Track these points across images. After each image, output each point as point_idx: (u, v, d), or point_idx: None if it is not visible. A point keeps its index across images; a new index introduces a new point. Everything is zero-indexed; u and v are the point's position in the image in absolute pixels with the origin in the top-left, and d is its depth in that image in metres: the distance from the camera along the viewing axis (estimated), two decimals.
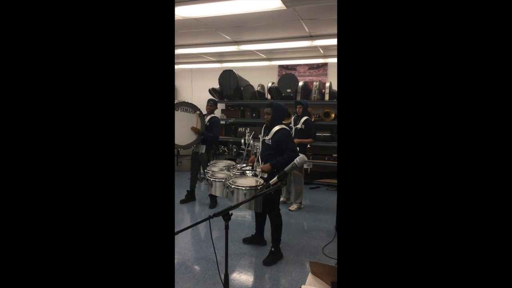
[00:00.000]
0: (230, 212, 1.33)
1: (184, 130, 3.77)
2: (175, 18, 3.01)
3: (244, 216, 3.68)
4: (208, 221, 1.30)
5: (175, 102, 3.70)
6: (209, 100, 4.05)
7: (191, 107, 3.81)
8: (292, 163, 1.44)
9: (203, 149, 3.95)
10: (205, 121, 3.89)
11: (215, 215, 1.30)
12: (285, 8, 2.71)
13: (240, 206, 1.51)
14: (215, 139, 4.03)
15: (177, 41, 4.25)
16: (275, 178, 1.22)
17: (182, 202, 4.08)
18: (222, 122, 5.72)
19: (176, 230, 1.25)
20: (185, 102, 3.82)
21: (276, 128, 2.54)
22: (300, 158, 1.46)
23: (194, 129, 3.79)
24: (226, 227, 1.34)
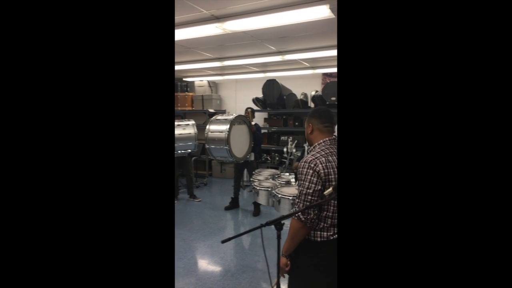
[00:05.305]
0: (282, 221, 1.34)
1: (241, 143, 3.95)
2: (224, 32, 3.15)
3: (287, 226, 3.64)
4: (258, 229, 1.32)
5: (235, 116, 3.81)
6: (248, 108, 4.28)
7: (242, 119, 4.00)
8: None
9: (252, 156, 4.10)
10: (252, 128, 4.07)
11: (267, 224, 1.31)
12: (334, 16, 2.69)
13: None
14: (261, 140, 4.31)
15: (224, 54, 4.42)
16: (330, 189, 1.20)
17: (226, 209, 4.18)
18: (265, 130, 5.80)
19: (224, 236, 1.29)
20: (240, 115, 3.94)
21: None
22: None
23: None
24: (278, 237, 1.34)
